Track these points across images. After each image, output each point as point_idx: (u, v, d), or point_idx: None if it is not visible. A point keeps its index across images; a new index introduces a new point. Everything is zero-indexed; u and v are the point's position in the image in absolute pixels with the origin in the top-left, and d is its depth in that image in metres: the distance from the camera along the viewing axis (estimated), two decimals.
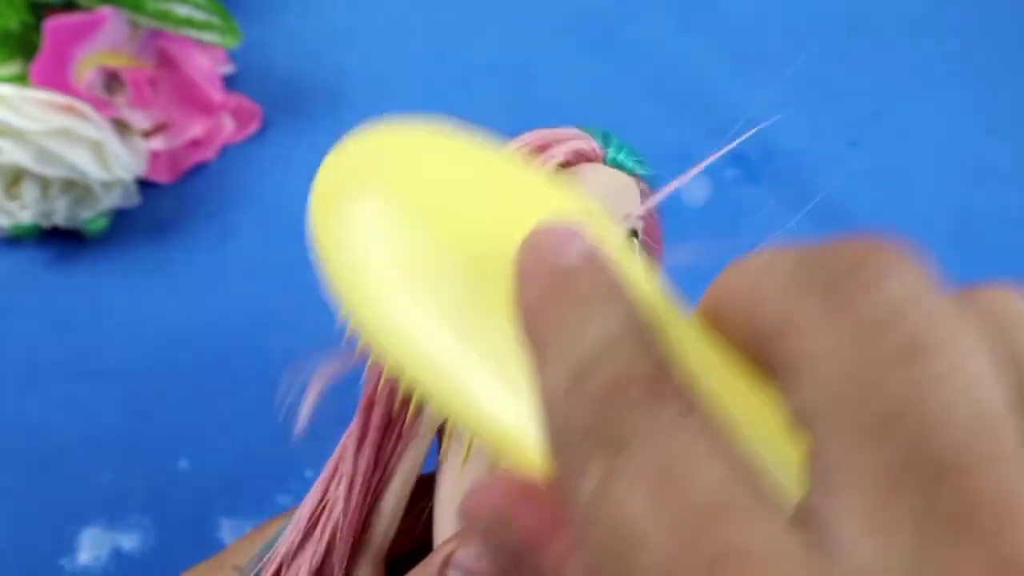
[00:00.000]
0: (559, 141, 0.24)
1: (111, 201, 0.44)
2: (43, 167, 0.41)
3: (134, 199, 0.45)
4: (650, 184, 0.26)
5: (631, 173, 0.26)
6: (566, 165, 0.24)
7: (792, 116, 0.49)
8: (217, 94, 0.47)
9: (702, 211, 0.46)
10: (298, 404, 0.22)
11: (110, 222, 0.45)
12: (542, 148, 0.24)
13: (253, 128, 0.49)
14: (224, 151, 0.49)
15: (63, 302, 0.45)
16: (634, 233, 0.24)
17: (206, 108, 0.47)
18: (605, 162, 0.25)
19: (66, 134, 0.41)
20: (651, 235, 0.25)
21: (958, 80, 0.52)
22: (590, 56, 0.51)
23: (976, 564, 0.09)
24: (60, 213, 0.44)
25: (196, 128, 0.47)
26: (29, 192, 0.43)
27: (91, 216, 0.45)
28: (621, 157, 0.25)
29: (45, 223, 0.45)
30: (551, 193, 0.18)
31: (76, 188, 0.44)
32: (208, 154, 0.48)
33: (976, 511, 0.10)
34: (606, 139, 0.26)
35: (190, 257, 0.46)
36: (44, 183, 0.43)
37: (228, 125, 0.48)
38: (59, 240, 0.46)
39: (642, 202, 0.25)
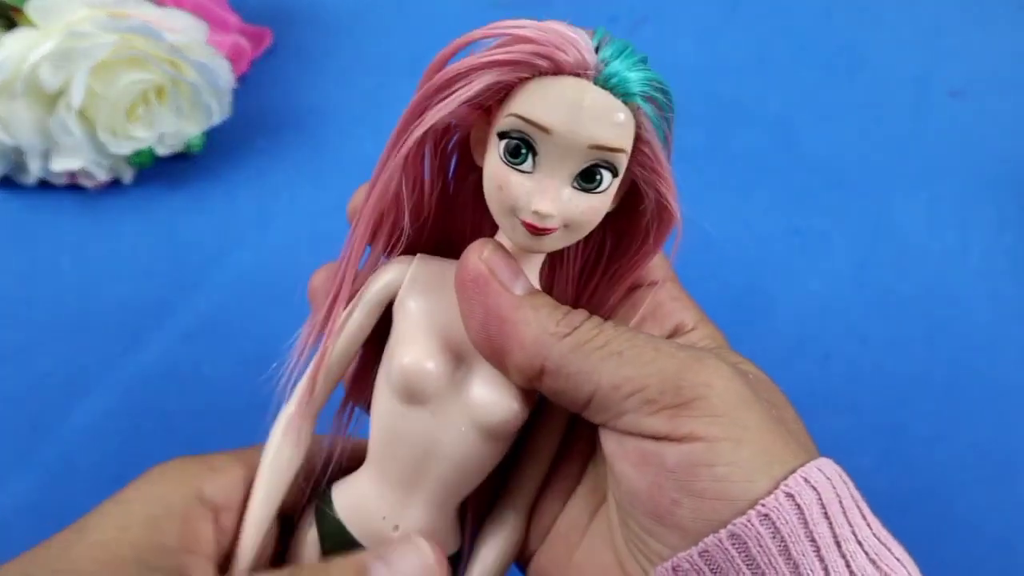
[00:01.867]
0: (536, 42, 0.20)
1: (221, 113, 0.46)
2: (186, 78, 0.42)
3: (228, 110, 0.47)
4: (666, 111, 0.22)
5: (634, 100, 0.21)
6: (528, 66, 0.20)
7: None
8: (229, 15, 0.50)
9: None
10: None
11: (205, 139, 0.46)
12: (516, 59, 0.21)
13: (266, 46, 0.52)
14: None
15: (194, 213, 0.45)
16: (607, 170, 0.21)
17: (223, 26, 0.50)
18: (596, 82, 0.21)
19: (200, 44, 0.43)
20: (648, 167, 0.22)
21: None
22: None
23: None
24: (171, 134, 0.44)
25: (223, 42, 0.49)
26: (157, 110, 0.43)
27: (195, 134, 0.45)
28: (626, 76, 0.21)
29: (159, 149, 0.44)
30: None
31: (195, 105, 0.44)
32: (240, 69, 0.50)
33: None
34: (618, 53, 0.21)
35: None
36: (174, 98, 0.43)
37: (245, 43, 0.51)
38: (170, 163, 0.45)
39: (638, 133, 0.21)
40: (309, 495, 0.25)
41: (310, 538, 0.24)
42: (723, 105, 0.53)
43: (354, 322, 0.24)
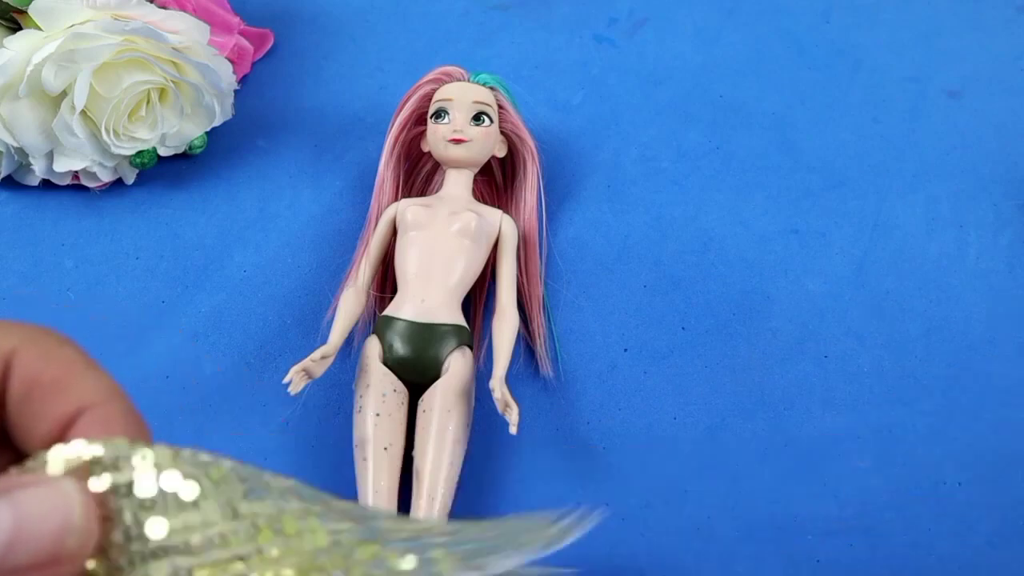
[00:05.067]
0: (437, 72, 0.43)
1: (223, 113, 0.46)
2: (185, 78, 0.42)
3: (230, 111, 0.47)
4: (508, 95, 0.43)
5: (487, 86, 0.42)
6: (436, 81, 0.42)
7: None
8: (231, 17, 0.50)
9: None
10: None
11: (207, 140, 0.46)
12: (429, 80, 0.43)
13: (267, 48, 0.53)
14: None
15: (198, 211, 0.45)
16: (486, 116, 0.41)
17: (226, 28, 0.50)
18: (469, 81, 0.42)
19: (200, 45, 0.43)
20: (510, 122, 0.43)
21: None
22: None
23: None
24: (173, 134, 0.44)
25: (225, 43, 0.50)
26: (159, 111, 0.43)
27: (197, 135, 0.46)
28: (481, 77, 0.43)
29: (161, 150, 0.44)
30: None
31: (197, 106, 0.45)
32: (243, 70, 0.51)
33: None
34: (477, 73, 0.43)
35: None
36: (176, 99, 0.43)
37: (247, 45, 0.51)
38: (172, 163, 0.45)
39: (499, 104, 0.42)
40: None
41: (373, 349, 0.37)
42: (722, 105, 0.53)
43: (378, 233, 0.41)
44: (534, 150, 0.44)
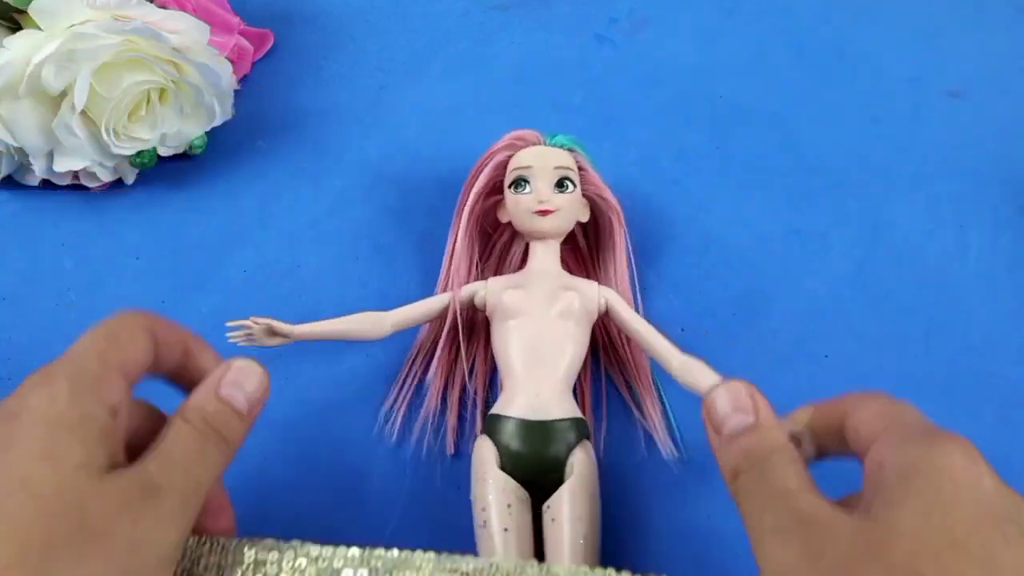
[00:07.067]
0: (511, 137, 0.40)
1: (223, 113, 0.46)
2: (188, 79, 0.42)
3: (229, 111, 0.47)
4: (586, 155, 0.41)
5: (566, 148, 0.40)
6: (511, 147, 0.39)
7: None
8: (231, 17, 0.50)
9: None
10: None
11: (207, 140, 0.46)
12: (503, 146, 0.40)
13: (267, 48, 0.53)
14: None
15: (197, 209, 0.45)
16: (569, 181, 0.38)
17: (226, 28, 0.50)
18: (546, 144, 0.40)
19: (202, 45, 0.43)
20: (592, 184, 0.40)
21: None
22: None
23: None
24: (173, 134, 0.44)
25: (225, 43, 0.50)
26: (159, 111, 0.43)
27: (197, 135, 0.46)
28: (558, 140, 0.40)
29: (161, 150, 0.44)
30: None
31: (197, 106, 0.45)
32: (243, 70, 0.51)
33: None
34: (553, 135, 0.40)
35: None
36: (176, 99, 0.43)
37: (247, 45, 0.51)
38: (172, 163, 0.45)
39: (578, 165, 0.40)
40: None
41: (489, 454, 0.33)
42: (722, 105, 0.53)
43: (445, 304, 0.38)
44: (619, 210, 0.41)
